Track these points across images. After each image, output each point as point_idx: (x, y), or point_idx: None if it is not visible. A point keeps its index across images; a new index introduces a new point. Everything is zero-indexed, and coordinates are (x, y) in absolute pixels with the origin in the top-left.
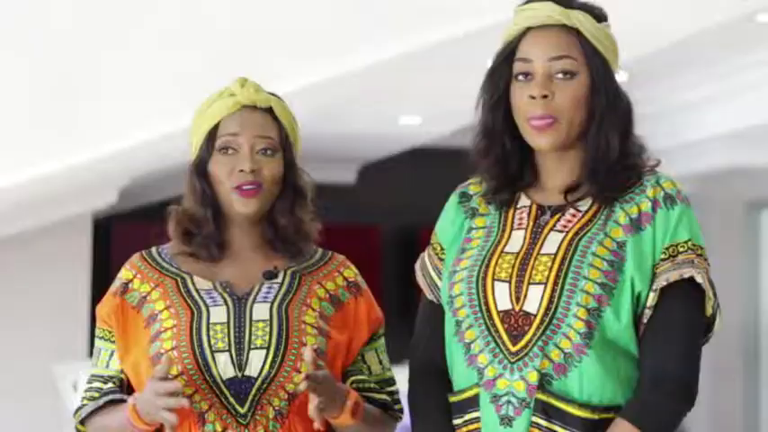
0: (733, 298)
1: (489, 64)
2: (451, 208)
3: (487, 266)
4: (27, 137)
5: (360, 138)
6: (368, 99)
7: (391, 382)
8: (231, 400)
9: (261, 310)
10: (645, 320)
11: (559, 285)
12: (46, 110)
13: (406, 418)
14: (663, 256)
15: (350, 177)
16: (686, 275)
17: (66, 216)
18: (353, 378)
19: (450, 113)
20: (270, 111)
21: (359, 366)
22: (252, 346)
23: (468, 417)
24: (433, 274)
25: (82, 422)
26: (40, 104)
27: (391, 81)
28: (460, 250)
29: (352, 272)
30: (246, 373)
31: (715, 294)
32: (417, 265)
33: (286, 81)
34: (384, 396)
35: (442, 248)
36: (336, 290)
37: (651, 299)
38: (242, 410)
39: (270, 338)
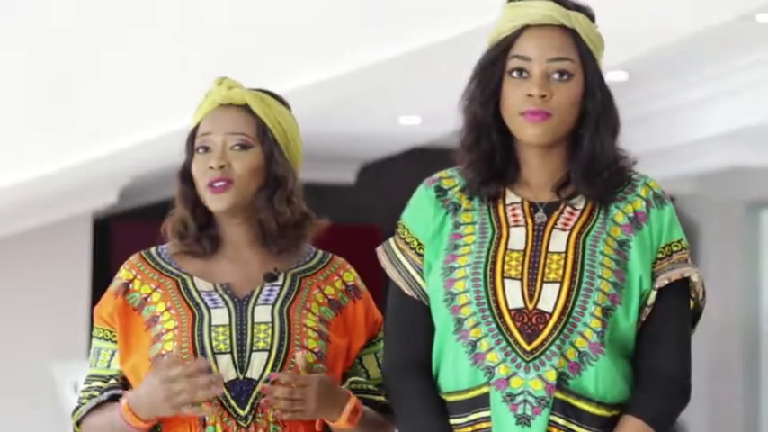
0: (733, 298)
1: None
2: (428, 203)
3: (494, 264)
4: (27, 137)
5: (360, 138)
6: (368, 99)
7: None
8: (232, 402)
9: (262, 313)
10: (643, 318)
11: (576, 284)
12: (46, 110)
13: None
14: (660, 256)
15: (350, 177)
16: (686, 275)
17: (66, 216)
18: (351, 378)
19: (450, 113)
20: (246, 107)
21: (356, 370)
22: (254, 348)
23: (473, 416)
24: (411, 269)
25: (79, 422)
26: (40, 104)
27: (391, 81)
28: (452, 246)
29: (351, 275)
30: (248, 375)
31: (704, 293)
32: (384, 258)
33: (286, 81)
34: (383, 398)
35: (419, 244)
36: (336, 294)
37: (652, 297)
38: (243, 413)
39: (272, 341)
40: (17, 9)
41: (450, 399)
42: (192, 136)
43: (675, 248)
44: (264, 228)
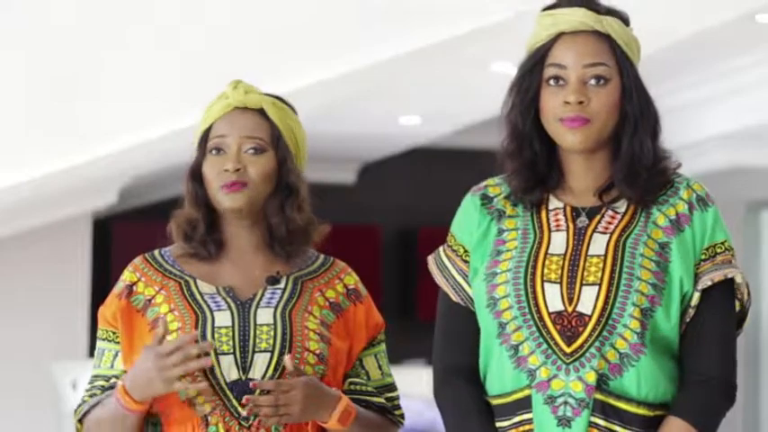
0: None
1: (517, 69)
2: (473, 210)
3: (534, 268)
4: (27, 137)
5: (360, 138)
6: (368, 99)
7: (391, 387)
8: (234, 402)
9: (264, 315)
10: (687, 320)
11: (614, 286)
12: (46, 110)
13: (406, 423)
14: (703, 257)
15: (350, 177)
16: (730, 276)
17: (66, 216)
18: (350, 380)
19: (450, 113)
20: (261, 111)
21: (357, 372)
22: (256, 350)
23: (517, 419)
24: (457, 276)
25: (81, 420)
26: (40, 104)
27: (391, 81)
28: (495, 252)
29: (352, 279)
30: (250, 375)
31: (749, 294)
32: (434, 266)
33: (286, 81)
34: (381, 400)
35: (465, 251)
36: (337, 297)
37: (695, 299)
38: (245, 413)
39: (274, 342)
40: (17, 9)
41: (495, 402)
42: (205, 136)
43: (719, 250)
44: (273, 233)
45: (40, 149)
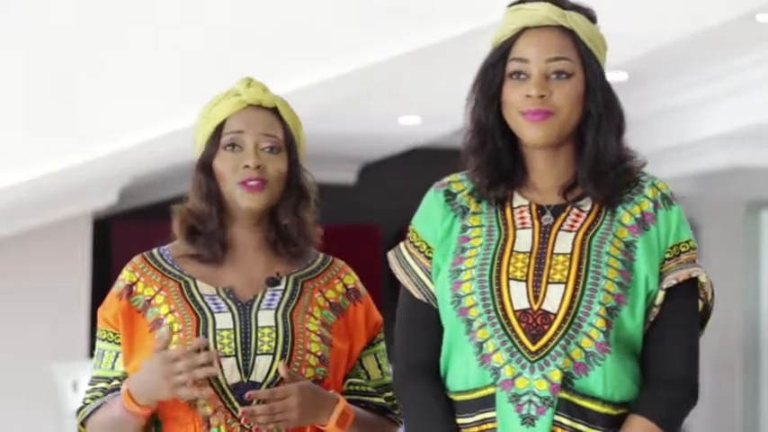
0: (733, 298)
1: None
2: (437, 206)
3: (500, 265)
4: (27, 137)
5: (360, 138)
6: (368, 99)
7: (391, 387)
8: (236, 405)
9: (266, 317)
10: (651, 318)
11: (580, 284)
12: (46, 110)
13: None
14: (668, 256)
15: (350, 177)
16: (694, 275)
17: (66, 216)
18: (350, 380)
19: (450, 113)
20: (275, 111)
21: (357, 371)
22: (258, 352)
23: (480, 417)
24: (420, 273)
25: (83, 422)
26: (40, 104)
27: (391, 81)
28: (459, 249)
29: (352, 278)
30: (252, 378)
31: (713, 293)
32: (395, 263)
33: (286, 81)
34: (381, 400)
35: (428, 247)
36: (337, 297)
37: (660, 297)
38: (242, 422)
39: (276, 344)
40: (17, 9)
41: (458, 398)
42: (217, 132)
43: (683, 249)
44: (283, 234)
45: (40, 149)
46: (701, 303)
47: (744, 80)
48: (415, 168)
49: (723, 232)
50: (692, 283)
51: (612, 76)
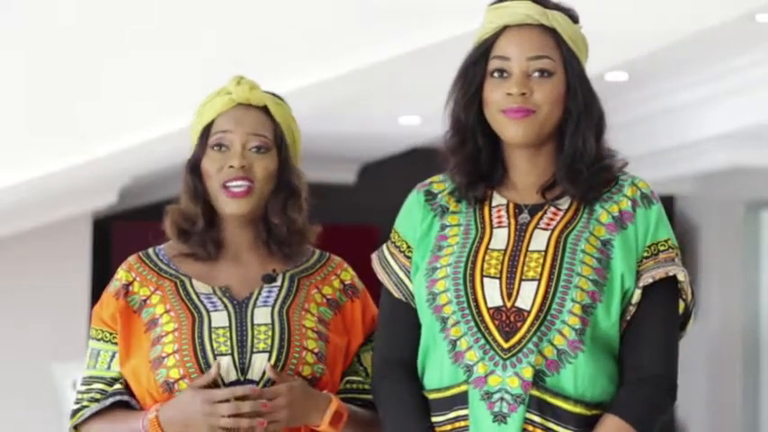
0: (733, 298)
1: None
2: (417, 206)
3: (474, 263)
4: (27, 137)
5: (360, 138)
6: (368, 99)
7: None
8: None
9: (262, 315)
10: (628, 317)
11: (554, 282)
12: (45, 110)
13: None
14: (645, 255)
15: (350, 177)
16: (671, 273)
17: (66, 216)
18: (347, 378)
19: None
20: (265, 109)
21: (355, 368)
22: (254, 350)
23: (453, 414)
24: (399, 272)
25: (78, 426)
26: (40, 104)
27: (391, 81)
28: (436, 248)
29: (348, 274)
30: (248, 376)
31: (693, 293)
32: (377, 264)
33: (286, 81)
34: None
35: (408, 247)
36: (334, 294)
37: (636, 296)
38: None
39: (272, 342)
40: (17, 9)
41: (432, 396)
42: (206, 131)
43: (662, 248)
44: (273, 233)
45: (40, 149)
46: (681, 304)
47: (744, 80)
48: (415, 168)
49: (723, 232)
50: (671, 282)
51: (612, 76)
